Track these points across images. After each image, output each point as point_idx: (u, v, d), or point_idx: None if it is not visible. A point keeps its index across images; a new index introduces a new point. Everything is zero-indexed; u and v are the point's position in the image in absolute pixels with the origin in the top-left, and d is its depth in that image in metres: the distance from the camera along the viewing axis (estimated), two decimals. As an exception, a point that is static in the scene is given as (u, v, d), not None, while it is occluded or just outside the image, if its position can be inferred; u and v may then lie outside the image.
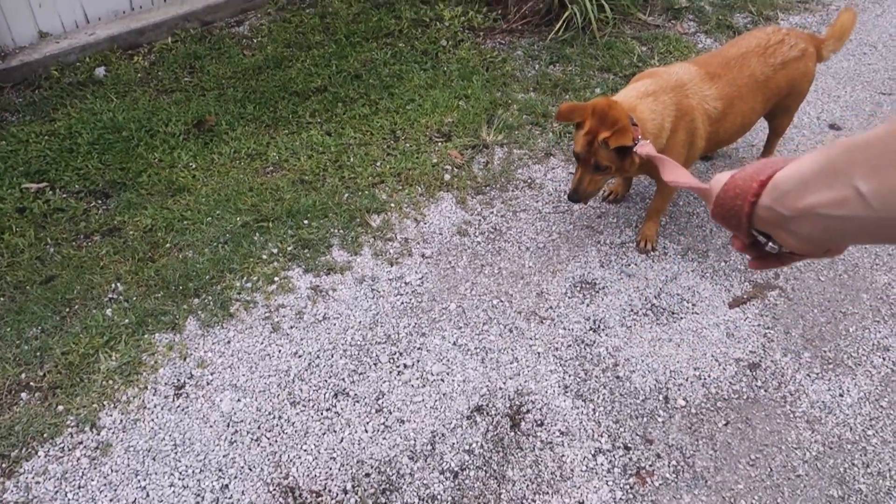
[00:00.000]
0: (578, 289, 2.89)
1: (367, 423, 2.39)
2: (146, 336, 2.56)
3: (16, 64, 3.90)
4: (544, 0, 4.51)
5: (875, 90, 4.08)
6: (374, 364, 2.56)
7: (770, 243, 0.87)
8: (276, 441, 2.31)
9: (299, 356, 2.56)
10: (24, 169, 3.31)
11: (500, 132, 3.59)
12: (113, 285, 2.75)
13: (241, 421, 2.35)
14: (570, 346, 2.68)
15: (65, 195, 3.22)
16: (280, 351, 2.57)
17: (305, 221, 3.04)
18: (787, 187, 0.76)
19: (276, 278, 2.80)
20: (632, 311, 2.83)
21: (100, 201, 3.20)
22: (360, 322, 2.69)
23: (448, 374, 2.56)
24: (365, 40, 4.39)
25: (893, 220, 0.63)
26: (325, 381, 2.49)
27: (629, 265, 3.00)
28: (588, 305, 2.83)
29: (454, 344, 2.65)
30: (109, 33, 4.15)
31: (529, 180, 3.35)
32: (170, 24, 4.33)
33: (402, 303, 2.77)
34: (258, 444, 2.30)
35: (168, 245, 2.93)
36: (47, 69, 3.96)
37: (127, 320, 2.60)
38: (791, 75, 2.94)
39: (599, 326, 2.76)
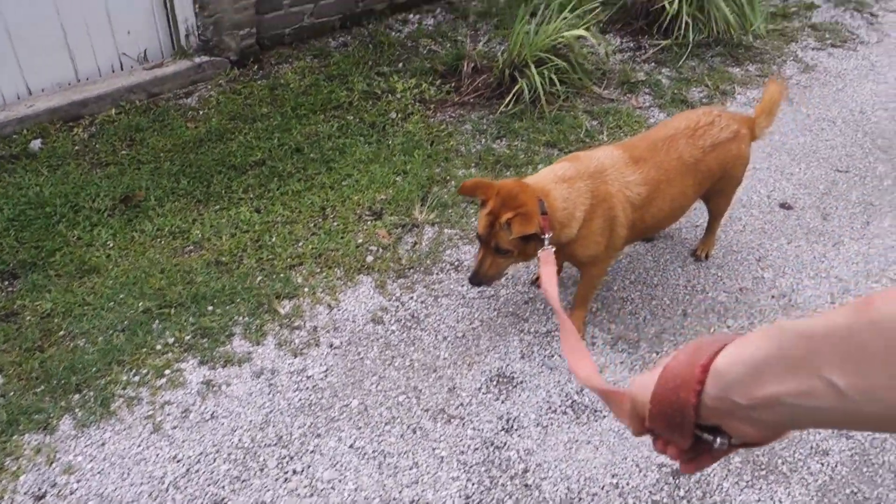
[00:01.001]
0: (494, 383, 2.70)
1: (243, 537, 2.19)
2: (15, 437, 2.38)
3: (-53, 137, 3.84)
4: (495, 73, 4.44)
5: (831, 167, 3.94)
6: (260, 470, 2.37)
7: (718, 438, 0.76)
8: (137, 559, 2.11)
9: (178, 461, 2.37)
10: (-65, 247, 3.20)
11: (432, 210, 3.46)
12: (-8, 378, 2.58)
13: (102, 535, 2.16)
14: (477, 448, 2.48)
15: (-29, 275, 3.09)
16: (158, 454, 2.38)
17: (210, 307, 2.89)
18: (738, 375, 0.69)
19: (166, 371, 2.63)
20: (550, 408, 2.63)
21: (6, 283, 3.07)
22: (250, 421, 2.50)
23: (340, 481, 2.35)
24: (312, 112, 4.32)
25: (881, 413, 0.59)
26: (203, 489, 2.30)
27: (552, 356, 2.81)
28: (503, 402, 2.64)
29: (351, 447, 2.45)
30: (49, 105, 4.09)
31: (457, 262, 3.20)
32: (114, 95, 4.27)
33: (301, 399, 2.59)
34: (116, 563, 2.09)
35: (62, 332, 2.78)
36: (-19, 142, 3.89)
37: (-4, 419, 2.43)
38: (722, 158, 2.80)
39: (513, 426, 2.56)
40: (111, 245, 3.27)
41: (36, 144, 3.96)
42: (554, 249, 2.34)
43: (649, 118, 4.28)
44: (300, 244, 3.26)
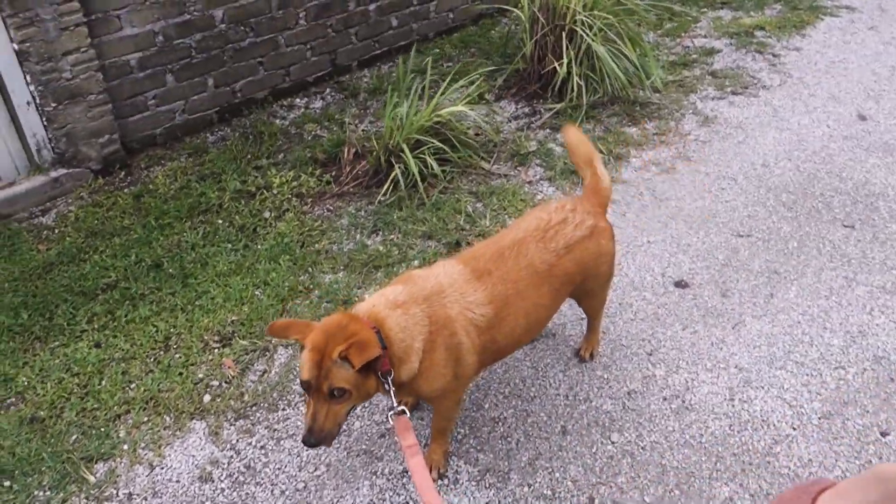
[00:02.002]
0: (337, 546, 2.31)
1: None
2: None
3: None
4: (370, 161, 4.16)
5: (732, 232, 3.65)
6: None
7: None
8: None
9: None
10: None
11: (288, 329, 3.11)
12: None
13: None
14: None
15: None
16: None
17: (7, 483, 2.49)
18: None
19: (-63, 578, 2.22)
20: (400, 573, 2.24)
21: None
22: None
23: None
24: (178, 220, 3.98)
25: None
26: None
27: (407, 503, 2.44)
28: (345, 570, 2.25)
29: None
30: None
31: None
32: (-44, 223, 3.92)
33: None
34: None
35: None
36: None
37: None
38: (581, 259, 2.46)
39: None
40: (-79, 406, 2.87)
41: None
42: (408, 414, 2.02)
43: (537, 194, 4.00)
44: (132, 387, 2.88)
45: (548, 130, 4.67)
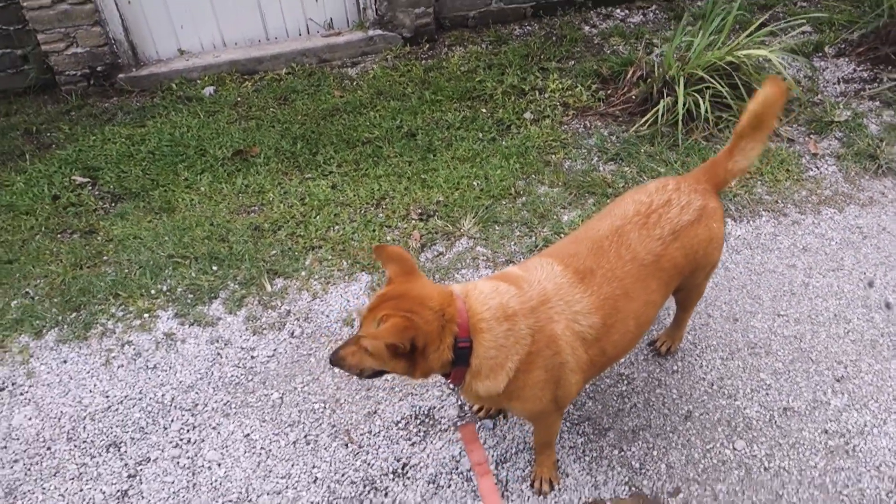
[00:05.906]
0: (417, 422, 2.48)
1: (113, 485, 2.35)
2: (13, 334, 2.82)
3: (145, 73, 4.55)
4: (641, 87, 3.90)
5: None
6: (164, 428, 2.50)
7: None
8: (30, 470, 2.39)
9: (107, 395, 2.61)
10: (89, 163, 3.84)
11: (479, 223, 3.22)
12: (37, 282, 3.06)
13: (17, 439, 2.48)
14: (354, 483, 2.32)
15: (96, 192, 3.66)
16: (95, 386, 2.64)
17: (214, 267, 3.07)
18: None
19: (146, 314, 2.88)
20: (454, 469, 2.34)
21: (111, 203, 3.59)
22: (180, 381, 2.64)
23: (219, 465, 2.39)
24: (448, 99, 4.24)
25: None
26: (111, 428, 2.50)
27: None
28: (412, 445, 2.41)
29: (246, 436, 2.46)
30: (231, 58, 4.61)
31: (466, 285, 2.95)
32: (288, 56, 4.65)
33: (233, 376, 2.65)
34: (12, 467, 2.40)
35: (105, 258, 3.18)
36: (170, 82, 4.54)
37: (12, 316, 2.89)
38: (690, 247, 2.08)
39: (406, 472, 2.34)
40: (203, 191, 3.61)
41: (209, 91, 4.51)
42: (477, 423, 1.95)
43: (809, 170, 3.43)
44: (335, 228, 3.28)
45: (877, 103, 3.90)
